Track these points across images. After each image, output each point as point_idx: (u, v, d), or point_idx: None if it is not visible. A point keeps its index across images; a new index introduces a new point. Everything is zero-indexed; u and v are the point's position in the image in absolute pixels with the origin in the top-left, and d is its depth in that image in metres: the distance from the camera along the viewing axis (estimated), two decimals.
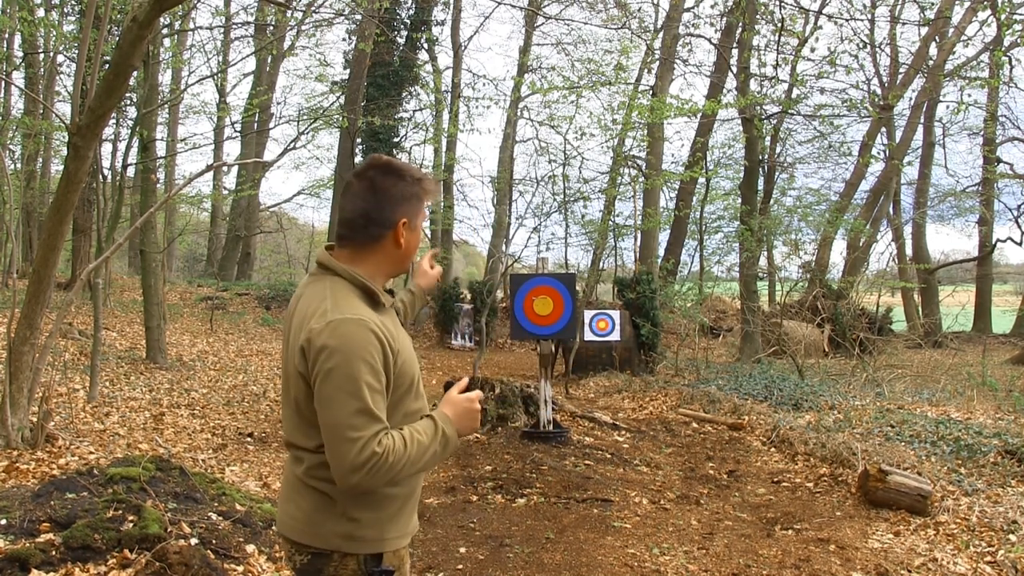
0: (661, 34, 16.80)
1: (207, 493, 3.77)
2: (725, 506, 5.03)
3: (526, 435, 6.61)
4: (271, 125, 20.20)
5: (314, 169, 46.71)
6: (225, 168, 20.06)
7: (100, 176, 11.54)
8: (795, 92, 14.00)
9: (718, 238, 21.01)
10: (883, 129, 19.27)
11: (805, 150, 20.61)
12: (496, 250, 19.91)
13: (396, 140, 19.54)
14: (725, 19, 14.46)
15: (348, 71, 18.96)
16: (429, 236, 20.17)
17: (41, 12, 12.81)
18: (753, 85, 14.06)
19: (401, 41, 19.02)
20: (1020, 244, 21.79)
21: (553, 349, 9.20)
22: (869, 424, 6.65)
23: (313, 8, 10.95)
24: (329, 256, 1.61)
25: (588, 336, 10.82)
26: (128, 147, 12.37)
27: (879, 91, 18.42)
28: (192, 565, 2.95)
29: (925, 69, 16.98)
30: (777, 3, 12.09)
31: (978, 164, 23.32)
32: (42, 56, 13.48)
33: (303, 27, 13.49)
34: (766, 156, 16.22)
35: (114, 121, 17.58)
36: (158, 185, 12.82)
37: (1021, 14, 11.33)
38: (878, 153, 19.37)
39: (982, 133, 20.85)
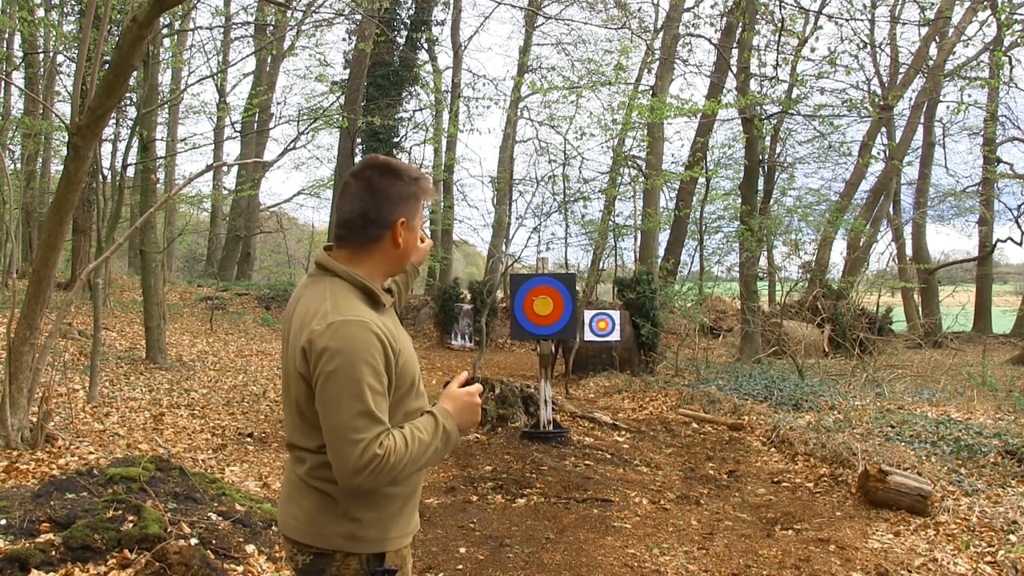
0: (661, 34, 16.81)
1: (207, 493, 3.77)
2: (725, 506, 5.03)
3: (526, 435, 6.61)
4: (271, 125, 20.20)
5: (314, 169, 46.77)
6: (225, 168, 20.06)
7: (100, 176, 11.54)
8: (795, 92, 14.00)
9: (718, 238, 21.03)
10: (883, 129, 19.27)
11: (805, 150, 20.63)
12: (496, 250, 19.91)
13: (396, 140, 19.54)
14: (725, 19, 14.46)
15: (348, 71, 18.96)
16: (429, 236, 20.15)
17: (41, 12, 12.81)
18: (753, 85, 14.06)
19: (401, 41, 19.02)
20: (1020, 244, 21.79)
21: (553, 349, 9.20)
22: (869, 424, 6.65)
23: (313, 8, 10.95)
24: (328, 257, 1.61)
25: (588, 336, 10.82)
26: (128, 147, 12.37)
27: (879, 91, 18.42)
28: (192, 565, 2.95)
29: (925, 69, 16.99)
30: (777, 3, 12.09)
31: (978, 164, 23.35)
32: (42, 56, 13.48)
33: (303, 27, 13.49)
34: (766, 156, 16.22)
35: (114, 121, 17.59)
36: (158, 185, 12.83)
37: (1021, 14, 11.33)
38: (878, 153, 19.38)
39: (982, 133, 20.86)
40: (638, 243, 19.06)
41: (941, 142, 22.48)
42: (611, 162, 15.62)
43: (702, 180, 18.33)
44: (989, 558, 4.04)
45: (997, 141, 20.83)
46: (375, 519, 1.55)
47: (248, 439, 6.40)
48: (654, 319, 11.40)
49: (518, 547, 4.06)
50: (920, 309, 20.53)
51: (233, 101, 22.70)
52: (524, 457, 5.95)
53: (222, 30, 18.13)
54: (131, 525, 3.14)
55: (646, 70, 15.70)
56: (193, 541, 3.18)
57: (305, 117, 18.85)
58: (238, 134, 19.91)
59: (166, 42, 10.42)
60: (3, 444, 4.58)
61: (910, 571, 3.88)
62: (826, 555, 4.06)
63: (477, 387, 1.66)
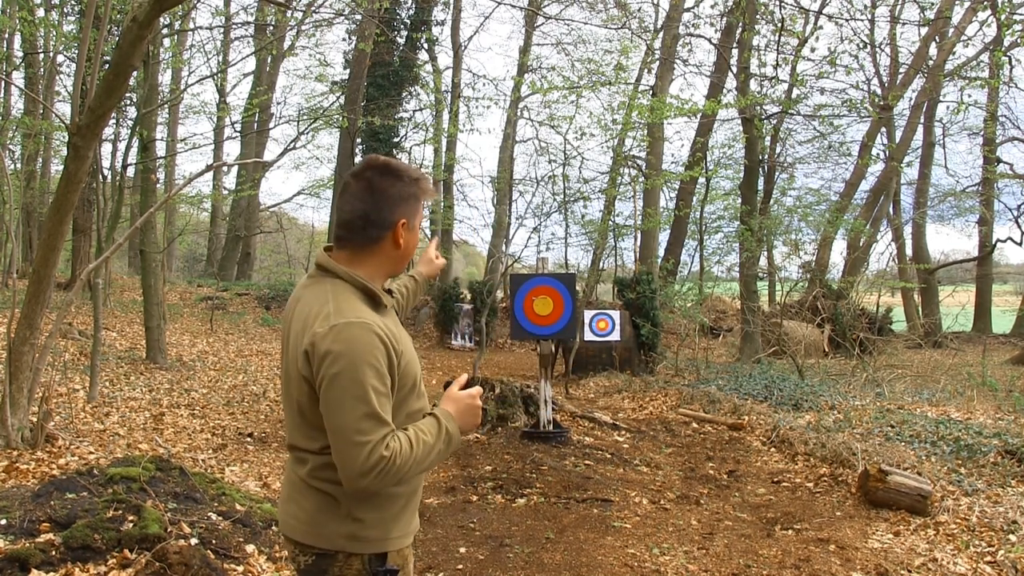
0: (661, 34, 16.81)
1: (207, 493, 3.77)
2: (725, 506, 5.03)
3: (526, 435, 6.61)
4: (271, 125, 20.21)
5: (314, 169, 46.80)
6: (225, 168, 20.06)
7: (100, 176, 11.54)
8: (795, 92, 14.00)
9: (718, 238, 21.03)
10: (883, 129, 19.27)
11: (805, 150, 20.63)
12: (496, 250, 19.91)
13: (396, 140, 19.54)
14: (725, 19, 14.46)
15: (348, 71, 18.96)
16: (429, 236, 20.18)
17: (41, 12, 12.81)
18: (753, 85, 14.06)
19: (401, 41, 19.02)
20: (1020, 244, 21.79)
21: (553, 349, 9.20)
22: (869, 424, 6.65)
23: (313, 8, 10.95)
24: (328, 258, 1.60)
25: (588, 336, 10.82)
26: (128, 147, 12.38)
27: (879, 91, 18.42)
28: (192, 565, 2.95)
29: (925, 69, 16.99)
30: (777, 3, 12.09)
31: (978, 164, 23.34)
32: (42, 56, 13.48)
33: (303, 27, 13.49)
34: (766, 156, 16.22)
35: (114, 121, 17.59)
36: (158, 185, 12.82)
37: (1021, 14, 11.34)
38: (878, 153, 19.37)
39: (982, 133, 20.85)
40: (638, 243, 19.07)
41: (941, 142, 22.51)
42: (611, 162, 15.63)
43: (702, 180, 18.33)
44: (989, 558, 4.04)
45: (997, 141, 20.83)
46: (377, 519, 1.55)
47: (248, 439, 6.40)
48: (654, 319, 11.40)
49: (518, 547, 4.06)
50: (920, 309, 20.53)
51: (233, 101, 22.73)
52: (524, 457, 5.95)
53: (222, 30, 18.15)
54: (131, 525, 3.14)
55: (646, 70, 15.70)
56: (193, 541, 3.18)
57: (305, 117, 18.87)
58: (238, 134, 19.92)
59: (166, 42, 10.42)
60: (3, 444, 4.58)
61: (910, 571, 3.88)
62: (826, 555, 4.06)
63: (477, 389, 1.67)
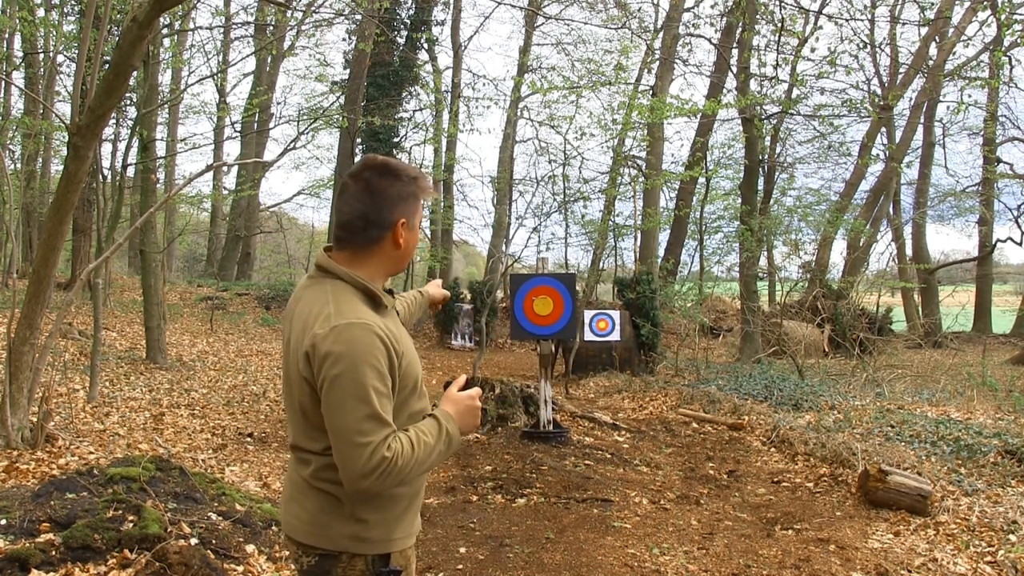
0: (661, 34, 16.81)
1: (207, 493, 3.77)
2: (725, 506, 5.03)
3: (526, 435, 6.61)
4: (271, 125, 20.21)
5: (314, 169, 46.80)
6: (225, 168, 20.06)
7: (100, 176, 11.54)
8: (795, 92, 14.00)
9: (718, 238, 21.03)
10: (883, 129, 19.27)
11: (805, 150, 20.63)
12: (496, 250, 19.91)
13: (396, 140, 19.53)
14: (725, 19, 14.47)
15: (348, 71, 18.96)
16: (428, 236, 20.19)
17: (41, 12, 12.81)
18: (753, 85, 14.06)
19: (401, 41, 19.02)
20: (1020, 244, 21.79)
21: (553, 349, 9.20)
22: (869, 424, 6.65)
23: (313, 8, 10.96)
24: (328, 259, 1.60)
25: (588, 336, 10.82)
26: (128, 147, 12.38)
27: (879, 91, 18.41)
28: (192, 565, 2.95)
29: (925, 69, 16.99)
30: (777, 3, 12.10)
31: (978, 164, 23.35)
32: (42, 56, 13.48)
33: (303, 27, 13.50)
34: (766, 156, 16.22)
35: (114, 121, 17.59)
36: (158, 185, 12.82)
37: (1021, 14, 11.34)
38: (878, 153, 19.36)
39: (982, 133, 20.86)
40: (638, 243, 19.08)
41: (941, 142, 22.51)
42: (611, 162, 15.63)
43: (702, 180, 18.33)
44: (989, 558, 4.04)
45: (997, 141, 20.83)
46: (381, 520, 1.55)
47: (248, 439, 6.40)
48: (654, 319, 11.40)
49: (518, 547, 4.06)
50: (920, 309, 20.53)
51: (233, 101, 22.73)
52: (524, 457, 5.95)
53: (222, 30, 18.14)
54: (131, 525, 3.14)
55: (646, 70, 15.70)
56: (193, 541, 3.18)
57: (305, 117, 18.87)
58: (238, 134, 19.92)
59: (166, 42, 10.42)
60: (3, 444, 4.58)
61: (910, 571, 3.88)
62: (826, 555, 4.06)
63: (477, 390, 1.67)
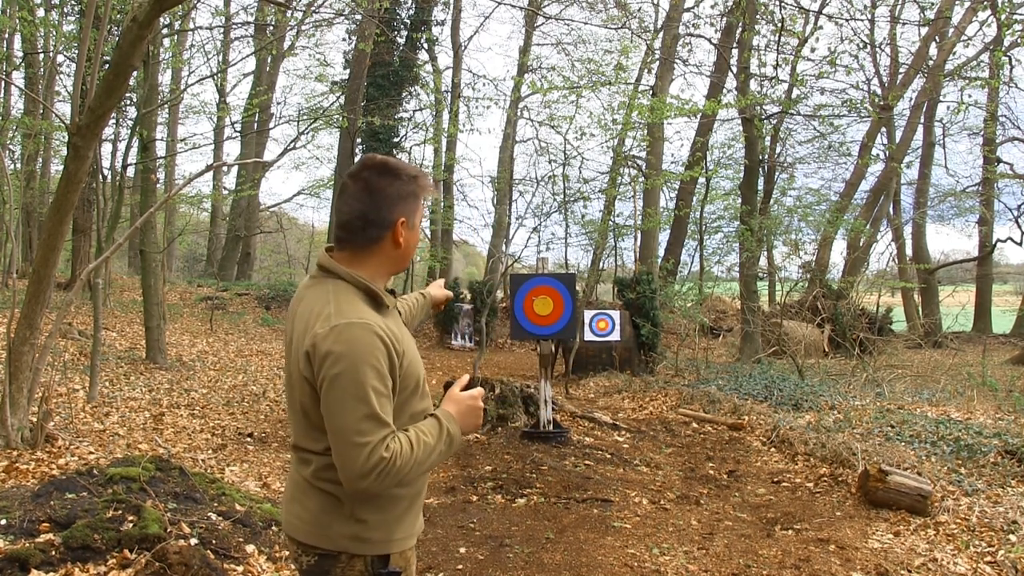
0: (661, 34, 16.81)
1: (207, 493, 3.77)
2: (725, 506, 5.03)
3: (526, 435, 6.61)
4: (271, 125, 20.21)
5: (314, 169, 46.82)
6: (225, 168, 20.06)
7: (100, 176, 11.53)
8: (795, 92, 14.00)
9: (718, 238, 21.02)
10: (883, 129, 19.27)
11: (805, 150, 20.63)
12: (496, 250, 19.91)
13: (396, 140, 19.54)
14: (725, 19, 14.46)
15: (348, 71, 18.96)
16: (429, 235, 20.19)
17: (41, 12, 12.81)
18: (753, 85, 14.06)
19: (401, 41, 19.02)
20: (1020, 244, 21.79)
21: (553, 349, 9.20)
22: (869, 424, 6.65)
23: (313, 8, 10.95)
24: (330, 258, 1.60)
25: (588, 336, 10.82)
26: (128, 147, 12.37)
27: (879, 91, 18.42)
28: (192, 565, 2.95)
29: (925, 69, 16.99)
30: (777, 3, 12.10)
31: (978, 164, 23.35)
32: (42, 56, 13.48)
33: (303, 27, 13.49)
34: (766, 156, 16.22)
35: (114, 121, 17.60)
36: (158, 185, 12.82)
37: (1021, 14, 11.33)
38: (878, 153, 19.36)
39: (982, 133, 20.86)
40: (638, 243, 19.07)
41: (941, 142, 22.51)
42: (611, 162, 15.63)
43: (702, 180, 18.33)
44: (989, 558, 4.04)
45: (997, 141, 20.83)
46: (381, 521, 1.55)
47: (248, 439, 6.40)
48: (654, 319, 11.40)
49: (518, 547, 4.06)
50: (920, 309, 20.53)
51: (233, 101, 22.73)
52: (524, 457, 5.95)
53: (222, 30, 18.14)
54: (131, 525, 3.14)
55: (646, 70, 15.70)
56: (193, 541, 3.18)
57: (305, 117, 18.86)
58: (238, 134, 19.91)
59: (166, 42, 10.42)
60: (3, 444, 4.58)
61: (910, 571, 3.88)
62: (826, 555, 4.06)
63: (479, 390, 1.66)
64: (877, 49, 18.32)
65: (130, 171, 13.62)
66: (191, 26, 12.34)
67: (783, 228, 14.63)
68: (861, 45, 15.06)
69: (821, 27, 14.92)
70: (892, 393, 9.09)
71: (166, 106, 17.48)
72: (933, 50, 17.58)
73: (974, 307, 21.60)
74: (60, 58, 14.19)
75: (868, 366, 11.14)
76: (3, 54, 13.85)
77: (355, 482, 1.43)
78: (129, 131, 13.25)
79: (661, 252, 18.81)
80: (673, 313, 13.30)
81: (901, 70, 18.30)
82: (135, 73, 8.02)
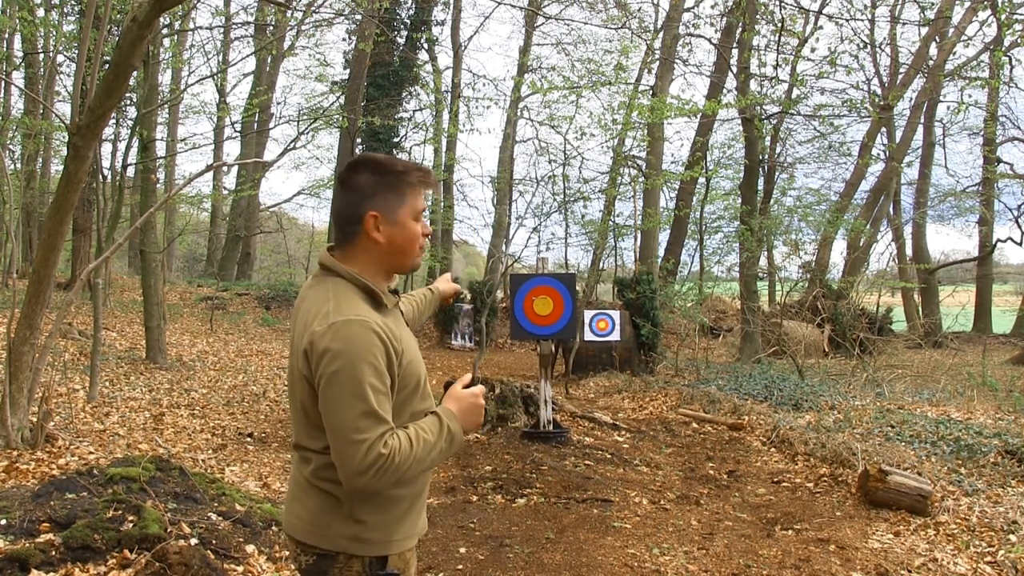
0: (661, 34, 16.81)
1: (207, 493, 3.77)
2: (725, 506, 5.03)
3: (526, 435, 6.61)
4: (271, 125, 20.20)
5: (314, 169, 46.76)
6: (225, 168, 20.06)
7: (100, 176, 11.54)
8: (795, 92, 14.00)
9: (718, 238, 21.01)
10: (883, 129, 19.27)
11: (805, 150, 20.63)
12: (496, 250, 19.91)
13: (396, 140, 19.54)
14: (725, 19, 14.46)
15: (348, 71, 18.97)
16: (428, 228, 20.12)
17: (41, 12, 12.81)
18: (753, 85, 14.06)
19: (401, 41, 19.02)
20: (1020, 244, 21.79)
21: (553, 349, 9.20)
22: (869, 424, 6.65)
23: (313, 8, 10.95)
24: (330, 257, 1.60)
25: (588, 336, 10.82)
26: (128, 147, 12.38)
27: (879, 91, 18.42)
28: (192, 565, 2.95)
29: (925, 69, 16.99)
30: (777, 3, 12.10)
31: (978, 164, 23.36)
32: (42, 56, 13.48)
33: (303, 27, 13.49)
34: (766, 156, 16.22)
35: (114, 121, 17.60)
36: (158, 185, 12.82)
37: (1021, 14, 11.32)
38: (878, 153, 19.38)
39: (982, 133, 20.86)
40: (638, 243, 19.07)
41: (941, 142, 22.51)
42: (611, 162, 15.63)
43: (702, 180, 18.32)
44: (989, 558, 4.04)
45: (997, 141, 20.83)
46: (380, 522, 1.54)
47: (248, 439, 6.40)
48: (654, 319, 11.40)
49: (518, 547, 4.06)
50: (920, 309, 20.53)
51: (233, 101, 22.73)
52: (524, 457, 5.95)
53: (222, 30, 18.14)
54: (131, 525, 3.14)
55: (646, 70, 15.70)
56: (193, 541, 3.18)
57: (305, 117, 18.85)
58: (238, 134, 19.91)
59: (166, 42, 10.42)
60: (3, 444, 4.58)
61: (910, 571, 3.88)
62: (826, 555, 4.06)
63: (481, 388, 1.65)
64: (877, 49, 18.33)
65: (130, 171, 13.63)
66: (191, 26, 12.34)
67: (783, 228, 14.63)
68: (861, 45, 15.07)
69: (821, 27, 14.94)
70: (892, 393, 9.09)
71: (166, 106, 17.48)
72: (933, 50, 17.58)
73: (974, 307, 21.60)
74: (60, 58, 14.20)
75: (868, 366, 11.13)
76: (3, 54, 13.85)
77: (353, 479, 1.43)
78: (129, 131, 13.25)
79: (661, 252, 18.81)
80: (673, 313, 13.30)
81: (901, 70, 18.31)
82: (135, 73, 8.02)
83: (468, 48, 25.53)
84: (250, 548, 3.39)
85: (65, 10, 13.30)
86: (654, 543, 4.20)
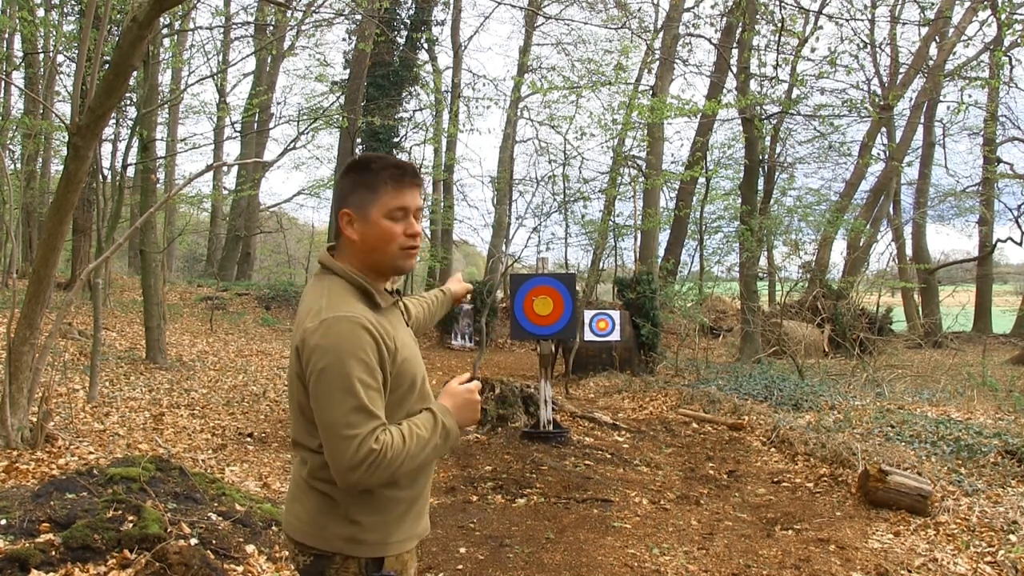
0: (661, 34, 16.81)
1: (207, 493, 3.77)
2: (725, 506, 5.03)
3: (526, 435, 6.61)
4: (271, 125, 20.20)
5: (314, 169, 46.81)
6: (225, 168, 20.06)
7: (100, 176, 11.54)
8: (795, 92, 14.00)
9: (718, 238, 21.00)
10: (883, 129, 19.27)
11: (805, 150, 20.64)
12: (496, 250, 19.91)
13: (396, 140, 19.54)
14: (725, 19, 14.47)
15: (348, 71, 18.97)
16: (428, 236, 20.18)
17: (41, 12, 12.81)
18: (753, 85, 14.06)
19: (401, 41, 19.02)
20: (1020, 244, 21.79)
21: (553, 349, 9.20)
22: (869, 424, 6.65)
23: (313, 8, 10.95)
24: (328, 256, 1.62)
25: (588, 336, 10.82)
26: (128, 147, 12.37)
27: (879, 91, 18.42)
28: (192, 565, 2.95)
29: (925, 69, 16.99)
30: (777, 3, 12.10)
31: (978, 164, 23.37)
32: (42, 56, 13.48)
33: (303, 27, 13.49)
34: (766, 156, 16.22)
35: (114, 121, 17.59)
36: (158, 185, 12.82)
37: (1021, 14, 11.33)
38: (878, 153, 19.37)
39: (982, 133, 20.87)
40: (638, 243, 19.07)
41: (941, 142, 22.51)
42: (611, 162, 15.63)
43: (702, 180, 18.32)
44: (989, 558, 4.04)
45: (997, 141, 20.84)
46: (376, 523, 1.54)
47: (248, 439, 6.40)
48: (654, 319, 11.40)
49: (518, 547, 4.06)
50: (920, 309, 20.54)
51: (233, 101, 22.73)
52: (524, 457, 5.95)
53: (222, 30, 18.14)
54: (131, 525, 3.14)
55: (646, 70, 15.70)
56: (193, 541, 3.18)
57: (305, 117, 18.85)
58: (238, 134, 19.91)
59: (166, 42, 10.42)
60: (3, 444, 4.58)
61: (910, 571, 3.88)
62: (826, 555, 4.06)
63: (476, 384, 1.64)
64: (877, 49, 18.33)
65: (130, 171, 13.62)
66: (191, 26, 12.34)
67: (783, 228, 14.63)
68: (861, 45, 15.07)
69: (821, 27, 14.94)
70: (892, 393, 9.09)
71: (166, 106, 17.48)
72: (933, 50, 17.58)
73: (974, 307, 21.60)
74: (60, 58, 14.20)
75: (868, 366, 11.14)
76: (3, 54, 13.85)
77: (345, 475, 1.42)
78: (129, 131, 13.25)
79: (661, 252, 18.82)
80: (673, 313, 13.30)
81: (901, 70, 18.31)
82: (135, 73, 8.02)
83: (468, 48, 25.57)
84: (250, 548, 3.39)
85: (65, 10, 13.30)
86: (654, 543, 4.20)
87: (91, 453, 4.92)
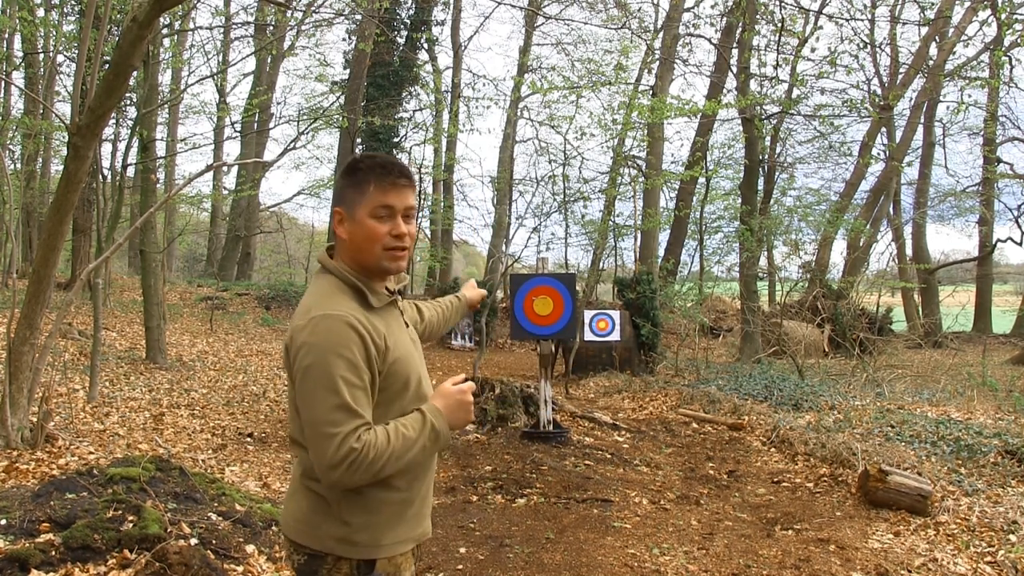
0: (661, 34, 16.81)
1: (207, 493, 3.77)
2: (725, 506, 5.03)
3: (526, 435, 6.61)
4: (271, 125, 20.21)
5: (314, 169, 46.85)
6: (225, 168, 20.06)
7: (100, 176, 11.54)
8: (795, 92, 14.00)
9: (718, 238, 21.01)
10: (883, 129, 19.27)
11: (805, 150, 20.64)
12: (496, 250, 19.90)
13: (396, 140, 19.54)
14: (725, 19, 14.47)
15: (348, 71, 18.97)
16: (428, 236, 20.18)
17: (41, 12, 12.81)
18: (753, 85, 14.06)
19: (401, 41, 19.03)
20: (1020, 244, 21.80)
21: (553, 349, 9.20)
22: (869, 424, 6.65)
23: (313, 8, 10.95)
24: (325, 255, 1.64)
25: (588, 336, 10.82)
26: (128, 147, 12.37)
27: (879, 91, 18.42)
28: (192, 565, 2.95)
29: (925, 69, 16.99)
30: (777, 3, 12.10)
31: (978, 164, 23.38)
32: (42, 56, 13.48)
33: (303, 27, 13.49)
34: (766, 156, 16.22)
35: (114, 121, 17.60)
36: (158, 185, 12.82)
37: (1021, 14, 11.32)
38: (878, 153, 19.37)
39: (982, 133, 20.87)
40: (638, 243, 19.07)
41: (941, 142, 22.52)
42: (611, 162, 15.63)
43: (702, 180, 18.33)
44: (989, 558, 4.04)
45: (997, 141, 20.84)
46: (366, 524, 1.52)
47: (248, 439, 6.40)
48: (654, 319, 11.40)
49: (518, 547, 4.06)
50: (920, 309, 20.54)
51: (233, 101, 22.74)
52: (524, 457, 5.95)
53: (222, 30, 18.14)
54: (131, 525, 3.14)
55: (646, 70, 15.70)
56: (193, 541, 3.18)
57: (305, 117, 18.85)
58: (238, 134, 19.92)
59: (166, 42, 10.42)
60: (3, 444, 4.58)
61: (910, 571, 3.88)
62: (826, 555, 4.06)
63: (469, 385, 1.62)
64: (877, 49, 18.32)
65: (130, 171, 13.62)
66: (191, 26, 12.35)
67: (783, 228, 14.62)
68: (861, 45, 15.06)
69: (821, 27, 14.94)
70: (892, 393, 9.09)
71: (166, 106, 17.49)
72: (933, 50, 17.59)
73: (974, 307, 21.60)
74: (60, 58, 14.20)
75: (868, 366, 11.13)
76: (3, 54, 13.85)
77: (327, 473, 1.42)
78: (129, 131, 13.25)
79: (661, 252, 18.81)
80: (673, 313, 13.30)
81: (901, 70, 18.31)
82: (135, 73, 8.02)
83: (468, 48, 25.58)
84: (250, 548, 3.39)
85: (65, 10, 13.30)
86: (654, 543, 4.20)
87: (91, 453, 4.92)
